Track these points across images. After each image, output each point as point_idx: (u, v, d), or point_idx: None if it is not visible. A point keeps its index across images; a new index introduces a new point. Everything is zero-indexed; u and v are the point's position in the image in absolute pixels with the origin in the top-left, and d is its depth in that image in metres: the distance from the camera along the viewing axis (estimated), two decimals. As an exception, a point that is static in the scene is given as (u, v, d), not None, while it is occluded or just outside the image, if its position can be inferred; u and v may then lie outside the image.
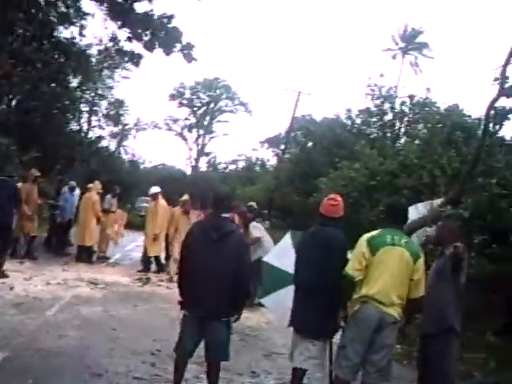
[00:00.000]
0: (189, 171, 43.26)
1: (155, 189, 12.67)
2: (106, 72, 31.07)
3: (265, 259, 6.41)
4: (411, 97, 24.32)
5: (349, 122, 27.40)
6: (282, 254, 5.95)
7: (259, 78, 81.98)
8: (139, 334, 7.06)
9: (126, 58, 12.07)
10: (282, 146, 41.91)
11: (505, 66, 12.14)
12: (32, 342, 6.12)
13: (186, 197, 12.76)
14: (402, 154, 18.27)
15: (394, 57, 47.70)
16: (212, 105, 43.52)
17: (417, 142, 20.01)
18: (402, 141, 24.39)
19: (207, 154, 43.67)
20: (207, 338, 4.78)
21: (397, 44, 47.89)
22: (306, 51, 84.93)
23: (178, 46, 11.93)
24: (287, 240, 6.05)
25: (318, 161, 25.23)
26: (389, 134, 24.78)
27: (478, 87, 61.62)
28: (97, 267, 12.13)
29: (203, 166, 44.19)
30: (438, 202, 12.33)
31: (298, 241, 5.58)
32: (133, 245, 15.90)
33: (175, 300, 9.09)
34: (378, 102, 25.13)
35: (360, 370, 4.76)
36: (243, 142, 66.67)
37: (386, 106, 24.96)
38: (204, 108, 43.68)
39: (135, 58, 12.04)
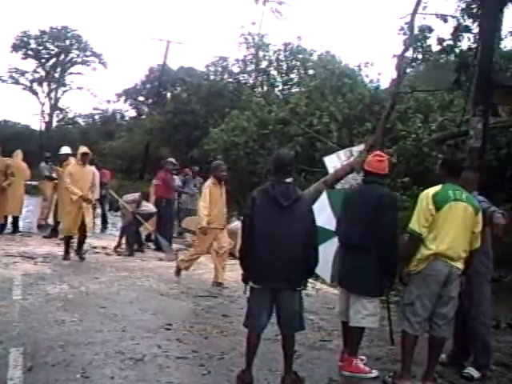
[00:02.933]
0: (37, 127, 40.13)
1: (66, 149, 11.50)
2: None
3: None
4: (286, 45, 24.62)
5: (211, 70, 27.06)
6: (318, 211, 5.79)
7: (114, 27, 76.66)
8: (131, 309, 6.53)
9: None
10: (141, 98, 40.50)
11: (412, 15, 12.71)
12: (35, 332, 5.37)
13: (84, 149, 9.65)
14: (293, 102, 18.49)
15: (256, 1, 47.37)
16: (62, 56, 40.18)
17: (303, 89, 20.39)
18: (280, 88, 24.79)
19: (61, 109, 40.63)
20: (281, 310, 4.53)
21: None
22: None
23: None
24: (323, 198, 5.92)
25: (198, 111, 24.72)
26: (265, 82, 24.90)
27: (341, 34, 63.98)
28: (16, 239, 10.89)
29: (56, 121, 41.10)
30: (357, 148, 12.79)
31: (342, 199, 5.43)
32: (24, 211, 14.28)
33: (130, 268, 8.82)
34: (252, 50, 25.04)
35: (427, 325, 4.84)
36: (99, 94, 62.41)
37: (261, 54, 24.96)
38: (53, 60, 40.19)
39: None
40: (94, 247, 10.27)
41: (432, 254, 4.68)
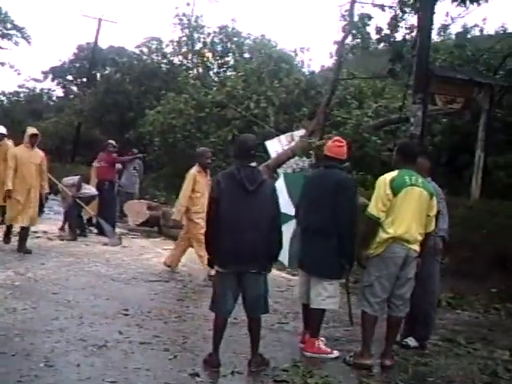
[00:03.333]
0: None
1: (1, 129, 10.96)
2: None
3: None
4: (221, 28, 24.43)
5: (145, 51, 26.52)
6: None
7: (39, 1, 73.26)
8: (84, 295, 6.40)
9: None
10: (69, 77, 39.12)
11: (352, 3, 13.00)
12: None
13: (33, 130, 8.88)
14: (229, 85, 18.43)
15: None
16: (-20, 28, 37.91)
17: (240, 72, 20.34)
18: (215, 71, 24.60)
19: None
20: (247, 294, 4.60)
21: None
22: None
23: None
24: (280, 181, 6.00)
25: (130, 92, 24.17)
26: (200, 64, 24.59)
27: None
28: None
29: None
30: (298, 133, 13.00)
31: (299, 182, 5.55)
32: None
33: (76, 253, 8.62)
34: (187, 31, 24.66)
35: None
36: (24, 72, 59.70)
37: (196, 35, 24.60)
38: (-30, 31, 37.89)
39: None
40: (35, 232, 9.88)
41: (390, 237, 4.86)
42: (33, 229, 9.84)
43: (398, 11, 12.07)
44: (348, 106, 13.69)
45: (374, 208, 4.91)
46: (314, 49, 64.74)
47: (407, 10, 12.18)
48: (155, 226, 11.73)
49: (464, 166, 10.74)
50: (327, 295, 5.10)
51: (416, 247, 4.95)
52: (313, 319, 5.18)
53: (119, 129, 23.72)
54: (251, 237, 4.45)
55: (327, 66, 24.30)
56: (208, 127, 18.17)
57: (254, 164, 4.67)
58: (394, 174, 5.01)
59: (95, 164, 11.47)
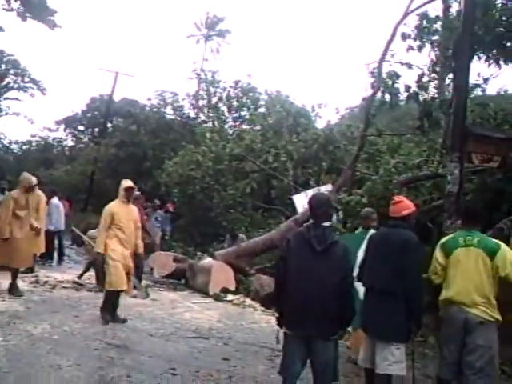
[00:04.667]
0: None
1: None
2: None
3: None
4: (236, 82, 24.78)
5: (161, 103, 26.78)
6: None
7: (59, 56, 76.55)
8: (126, 351, 6.10)
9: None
10: (81, 127, 39.55)
11: (380, 62, 13.12)
12: (33, 380, 4.91)
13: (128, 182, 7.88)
14: (248, 138, 18.46)
15: (197, 42, 48.71)
16: (-3, 80, 38.57)
17: (257, 126, 20.47)
18: (230, 124, 24.76)
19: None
20: (315, 359, 4.32)
21: (200, 30, 48.91)
22: (114, 32, 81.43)
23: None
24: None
25: (145, 143, 24.30)
26: (216, 118, 24.80)
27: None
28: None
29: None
30: (325, 187, 12.90)
31: (357, 241, 5.46)
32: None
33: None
34: (203, 86, 25.03)
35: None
36: (38, 122, 60.89)
37: (212, 90, 24.92)
38: (-13, 83, 38.56)
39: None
40: (61, 282, 9.65)
41: (446, 299, 4.82)
42: (59, 278, 9.69)
43: (430, 69, 12.16)
44: (375, 162, 13.60)
45: (430, 271, 4.99)
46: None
47: (437, 69, 12.29)
48: (182, 279, 11.43)
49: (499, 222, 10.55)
50: (394, 360, 4.81)
51: (478, 311, 4.72)
52: (379, 384, 4.89)
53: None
54: (317, 299, 4.20)
55: (334, 121, 24.64)
56: (226, 179, 18.07)
57: (327, 224, 4.46)
58: (450, 236, 5.07)
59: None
